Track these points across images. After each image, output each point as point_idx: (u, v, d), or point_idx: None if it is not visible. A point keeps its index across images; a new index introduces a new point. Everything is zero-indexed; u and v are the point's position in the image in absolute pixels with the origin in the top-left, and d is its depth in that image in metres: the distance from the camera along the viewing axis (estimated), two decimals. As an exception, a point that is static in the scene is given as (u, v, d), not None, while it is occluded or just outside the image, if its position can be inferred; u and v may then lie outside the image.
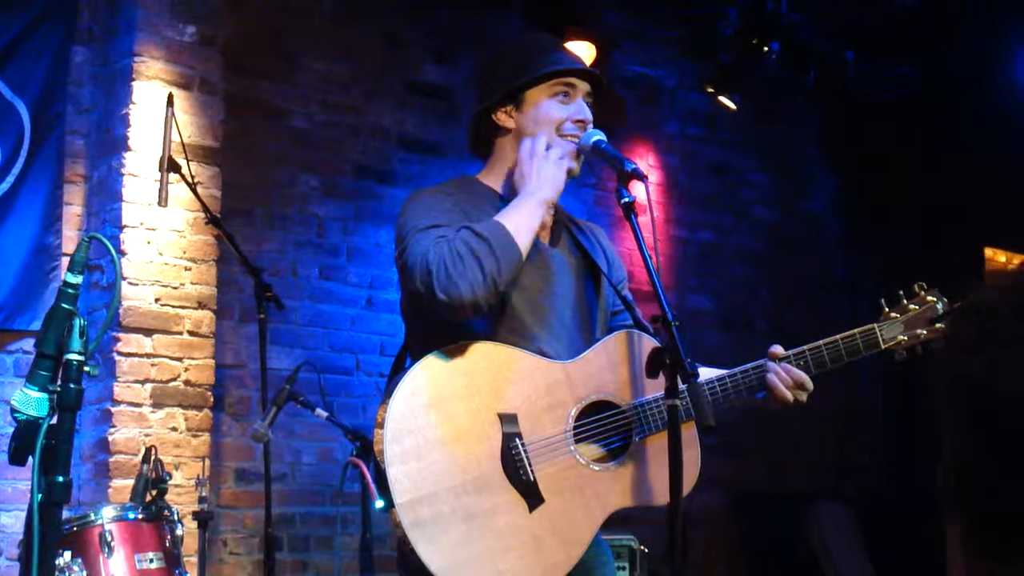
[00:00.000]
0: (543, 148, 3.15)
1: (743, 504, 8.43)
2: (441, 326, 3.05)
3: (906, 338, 3.22)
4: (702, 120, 8.82)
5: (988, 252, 9.55)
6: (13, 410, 2.61)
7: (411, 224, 3.10)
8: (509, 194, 3.25)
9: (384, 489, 2.95)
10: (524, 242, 3.01)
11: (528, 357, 3.10)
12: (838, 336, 3.20)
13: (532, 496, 3.03)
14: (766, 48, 7.80)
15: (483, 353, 3.06)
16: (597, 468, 3.11)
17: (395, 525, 2.93)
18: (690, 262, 8.66)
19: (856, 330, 3.22)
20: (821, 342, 3.20)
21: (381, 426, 2.96)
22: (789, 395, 3.14)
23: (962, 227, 8.82)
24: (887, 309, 3.25)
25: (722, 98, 8.07)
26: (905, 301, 3.26)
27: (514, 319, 3.12)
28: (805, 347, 3.19)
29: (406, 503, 2.93)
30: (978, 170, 8.60)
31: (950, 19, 8.16)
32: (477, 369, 3.04)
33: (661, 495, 3.11)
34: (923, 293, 3.26)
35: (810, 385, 3.16)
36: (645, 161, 8.39)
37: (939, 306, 3.23)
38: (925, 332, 3.22)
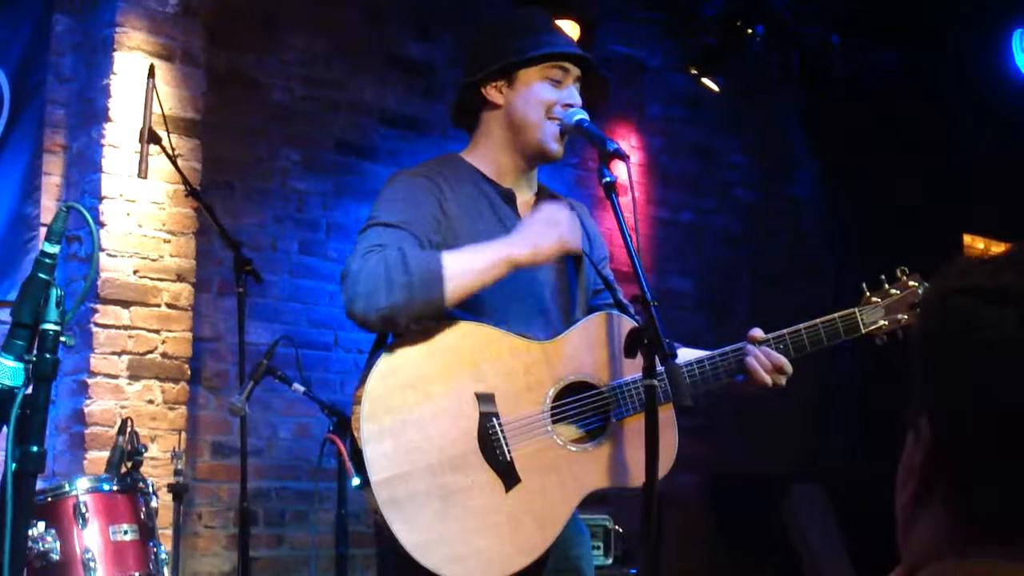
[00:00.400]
0: (561, 215, 3.05)
1: (719, 485, 8.46)
2: None
3: (887, 323, 3.22)
4: (685, 101, 8.82)
5: (967, 239, 9.59)
6: (-12, 379, 2.60)
7: (374, 212, 3.11)
8: (492, 172, 3.25)
9: (360, 467, 2.95)
10: (454, 289, 2.93)
11: (507, 337, 3.09)
12: (818, 320, 3.20)
13: (509, 476, 3.03)
14: (750, 30, 7.80)
15: (462, 332, 3.06)
16: (574, 449, 3.11)
17: (371, 503, 2.93)
18: (671, 243, 8.66)
19: (836, 314, 3.21)
20: (801, 326, 3.19)
21: (358, 404, 2.96)
22: (768, 379, 3.14)
23: (945, 213, 8.85)
24: (868, 294, 3.25)
25: (705, 80, 8.06)
26: (887, 286, 3.25)
27: (493, 299, 3.11)
28: (785, 331, 3.19)
29: (381, 481, 2.93)
30: (962, 157, 8.63)
31: (936, 6, 8.16)
32: (455, 348, 3.04)
33: (638, 476, 3.10)
34: (905, 278, 3.26)
35: (789, 369, 3.16)
36: (627, 141, 8.38)
37: (921, 291, 3.23)
38: (906, 317, 3.22)
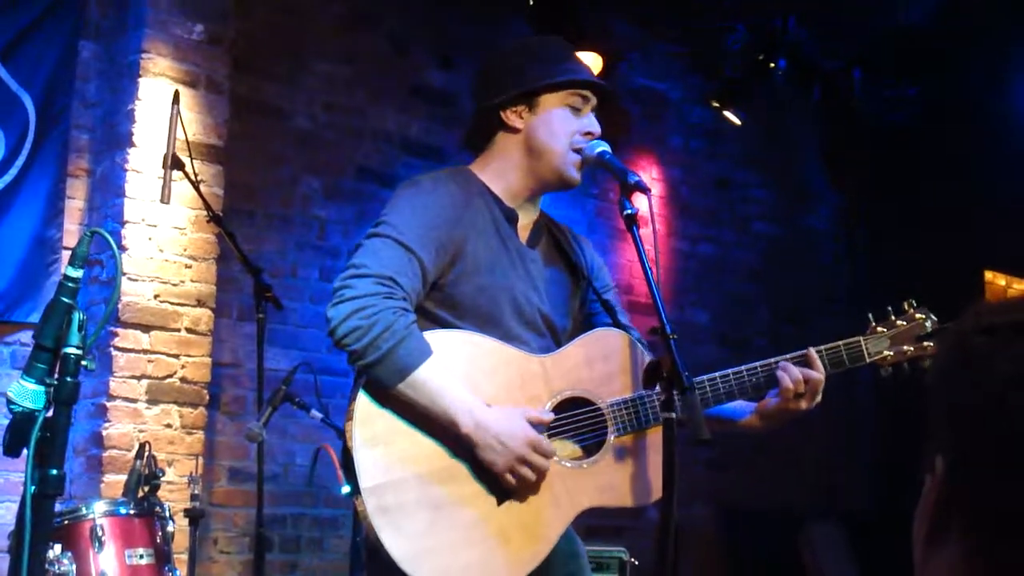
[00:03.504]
0: (530, 459, 2.97)
1: (735, 521, 8.42)
2: (420, 317, 3.05)
3: (892, 354, 3.20)
4: (706, 134, 8.83)
5: (988, 275, 9.55)
6: (9, 401, 2.61)
7: (391, 217, 3.08)
8: (500, 191, 3.25)
9: (351, 473, 2.94)
10: (404, 392, 2.92)
11: (505, 349, 3.08)
12: (823, 347, 3.17)
13: (500, 489, 3.01)
14: (772, 64, 7.82)
15: (461, 342, 3.05)
16: (569, 465, 3.08)
17: (360, 511, 2.92)
18: (690, 275, 8.66)
19: (841, 342, 3.19)
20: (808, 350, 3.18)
21: (349, 420, 2.97)
22: (791, 385, 3.10)
23: (963, 249, 8.81)
24: (874, 324, 3.23)
25: (727, 113, 8.08)
26: (893, 317, 3.24)
27: (489, 308, 3.11)
28: (788, 356, 3.18)
29: (371, 488, 2.91)
30: (983, 192, 8.61)
31: (956, 41, 8.17)
32: (453, 358, 3.02)
33: (633, 496, 3.10)
34: (912, 310, 3.24)
35: (815, 376, 3.12)
36: (648, 174, 8.39)
37: (927, 324, 3.22)
38: (912, 349, 3.20)
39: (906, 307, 3.25)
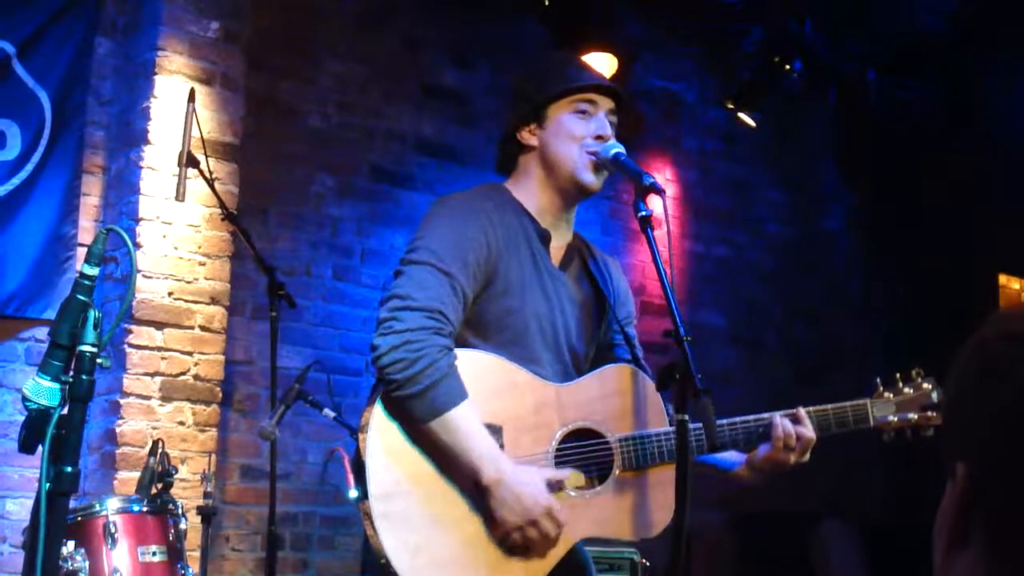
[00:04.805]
0: (542, 523, 2.98)
1: (745, 522, 8.41)
2: None
3: (896, 420, 3.26)
4: (721, 136, 8.82)
5: (1002, 279, 9.53)
6: (25, 398, 2.61)
7: (427, 242, 3.09)
8: (533, 208, 3.27)
9: (361, 478, 2.96)
10: (433, 431, 2.94)
11: (522, 373, 3.10)
12: (829, 406, 3.22)
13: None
14: (788, 66, 7.80)
15: (478, 363, 3.07)
16: (572, 494, 3.10)
17: (364, 516, 2.95)
18: (704, 277, 8.65)
19: (848, 403, 3.24)
20: (811, 408, 3.20)
21: (365, 427, 2.98)
22: (781, 444, 3.12)
23: (978, 251, 8.80)
24: (881, 389, 3.29)
25: (742, 114, 8.06)
26: (900, 384, 3.29)
27: (512, 336, 3.13)
28: (781, 412, 3.18)
29: (380, 495, 2.94)
30: (995, 194, 8.59)
31: (970, 44, 8.15)
32: (469, 377, 3.03)
33: (631, 529, 3.13)
34: (919, 379, 3.30)
35: (808, 435, 3.14)
36: (663, 175, 8.39)
37: (934, 395, 3.26)
38: (916, 417, 3.25)
39: (914, 375, 3.31)
